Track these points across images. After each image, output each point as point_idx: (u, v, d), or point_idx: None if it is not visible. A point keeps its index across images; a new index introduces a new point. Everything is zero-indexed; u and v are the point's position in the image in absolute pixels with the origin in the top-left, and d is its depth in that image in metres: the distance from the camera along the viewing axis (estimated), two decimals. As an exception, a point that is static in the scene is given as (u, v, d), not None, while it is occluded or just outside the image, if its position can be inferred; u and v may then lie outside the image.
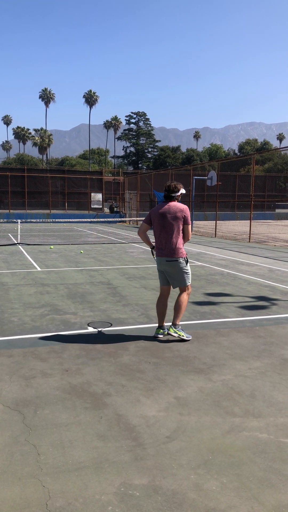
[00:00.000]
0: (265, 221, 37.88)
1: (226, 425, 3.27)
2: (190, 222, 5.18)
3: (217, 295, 7.74)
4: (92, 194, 41.03)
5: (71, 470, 2.70)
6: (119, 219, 30.08)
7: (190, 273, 5.27)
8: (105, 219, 28.38)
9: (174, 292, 5.72)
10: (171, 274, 5.23)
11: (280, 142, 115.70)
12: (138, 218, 28.21)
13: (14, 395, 3.72)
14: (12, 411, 3.43)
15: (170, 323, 5.29)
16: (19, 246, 15.82)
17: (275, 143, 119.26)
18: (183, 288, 5.26)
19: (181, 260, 5.13)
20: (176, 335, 5.14)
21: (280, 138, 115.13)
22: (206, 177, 23.54)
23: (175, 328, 5.16)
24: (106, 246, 16.19)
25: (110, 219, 30.27)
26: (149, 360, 4.56)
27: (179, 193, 5.21)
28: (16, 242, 16.90)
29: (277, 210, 47.68)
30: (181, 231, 5.13)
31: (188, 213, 5.14)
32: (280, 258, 13.23)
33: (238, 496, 2.48)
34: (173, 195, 5.19)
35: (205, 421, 3.33)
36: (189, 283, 5.26)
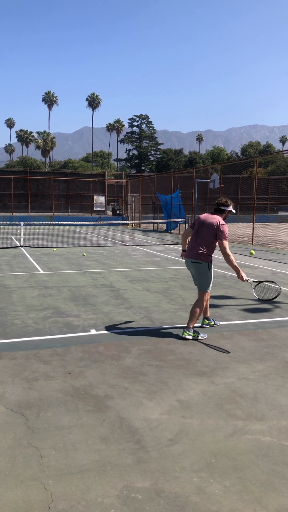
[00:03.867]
0: (267, 223, 37.84)
1: (229, 428, 3.26)
2: (223, 238, 5.29)
3: (220, 298, 7.73)
4: (95, 197, 41.07)
5: (73, 473, 2.69)
6: (122, 222, 30.11)
7: (211, 280, 5.52)
8: (108, 222, 28.43)
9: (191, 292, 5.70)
10: (195, 276, 5.57)
11: (283, 145, 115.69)
12: (140, 221, 28.23)
13: (17, 397, 3.72)
14: (15, 414, 3.43)
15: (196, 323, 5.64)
16: (22, 249, 15.85)
17: (278, 146, 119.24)
18: (201, 293, 5.51)
19: (203, 264, 5.41)
20: (190, 337, 5.35)
21: (283, 140, 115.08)
22: (208, 180, 23.53)
23: (188, 331, 5.39)
24: (109, 249, 16.20)
25: (113, 222, 30.33)
26: (151, 363, 4.56)
27: (228, 209, 5.55)
28: (19, 245, 16.93)
29: (280, 213, 47.63)
30: (213, 242, 5.39)
31: (222, 229, 5.30)
32: (283, 261, 13.21)
33: (241, 499, 2.47)
34: (222, 208, 5.54)
35: (208, 424, 3.32)
36: (208, 290, 5.51)
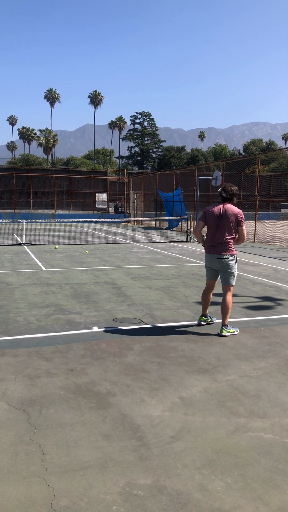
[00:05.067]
0: (270, 221, 37.80)
1: (231, 426, 3.26)
2: (244, 224, 5.42)
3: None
4: (97, 194, 41.09)
5: (76, 470, 2.70)
6: (124, 219, 30.10)
7: (236, 273, 5.57)
8: (110, 219, 28.42)
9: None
10: (220, 271, 5.54)
11: (285, 142, 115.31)
12: (142, 218, 28.22)
13: (19, 394, 3.73)
14: (17, 411, 3.44)
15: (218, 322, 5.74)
16: (24, 246, 15.86)
17: (280, 143, 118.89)
18: (227, 287, 5.53)
19: (230, 258, 5.43)
20: (228, 334, 5.43)
21: (285, 138, 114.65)
22: (211, 177, 23.50)
23: (226, 328, 5.45)
24: (111, 246, 16.20)
25: (115, 219, 30.31)
26: (153, 360, 4.56)
27: (235, 197, 5.59)
28: (21, 242, 16.94)
29: (282, 210, 47.54)
30: (233, 232, 5.42)
31: (242, 216, 5.41)
32: (285, 259, 13.19)
33: (243, 496, 2.48)
34: (233, 198, 5.54)
35: (210, 421, 3.32)
36: (233, 283, 5.56)
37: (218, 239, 5.43)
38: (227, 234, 5.38)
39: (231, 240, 5.43)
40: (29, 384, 3.94)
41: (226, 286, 5.53)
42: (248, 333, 5.54)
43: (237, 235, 5.44)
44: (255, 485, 2.58)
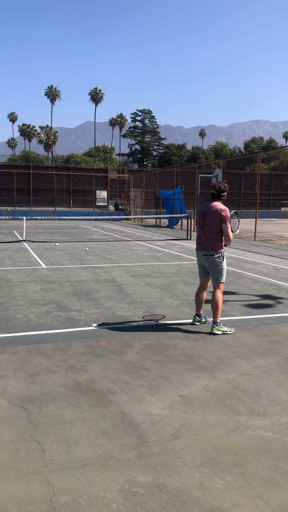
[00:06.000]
0: (270, 219, 37.75)
1: (231, 424, 3.26)
2: (227, 222, 5.36)
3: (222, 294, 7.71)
4: (97, 191, 41.00)
5: (75, 467, 2.70)
6: (124, 217, 30.08)
7: (225, 270, 5.55)
8: (110, 217, 28.40)
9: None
10: (208, 268, 5.56)
11: (286, 140, 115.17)
12: (143, 216, 28.20)
13: (19, 391, 3.73)
14: (17, 408, 3.44)
15: (211, 320, 5.64)
16: (25, 243, 15.85)
17: (281, 141, 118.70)
18: (216, 284, 5.52)
19: (216, 256, 5.42)
20: (219, 332, 5.40)
21: (286, 136, 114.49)
22: (211, 175, 23.46)
23: (217, 326, 5.42)
24: (111, 244, 16.19)
25: (115, 217, 30.30)
26: (153, 358, 4.56)
27: (225, 194, 5.55)
28: (21, 239, 16.93)
29: (283, 209, 47.48)
30: (219, 229, 5.40)
31: (226, 213, 5.38)
32: (286, 257, 13.18)
33: (243, 494, 2.47)
34: (222, 194, 5.53)
35: (210, 419, 3.32)
36: (223, 281, 5.54)
37: (204, 236, 5.49)
38: (212, 231, 5.41)
39: (216, 238, 5.42)
40: (29, 381, 3.94)
41: (215, 283, 5.54)
42: (248, 331, 5.53)
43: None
44: (255, 483, 2.58)
